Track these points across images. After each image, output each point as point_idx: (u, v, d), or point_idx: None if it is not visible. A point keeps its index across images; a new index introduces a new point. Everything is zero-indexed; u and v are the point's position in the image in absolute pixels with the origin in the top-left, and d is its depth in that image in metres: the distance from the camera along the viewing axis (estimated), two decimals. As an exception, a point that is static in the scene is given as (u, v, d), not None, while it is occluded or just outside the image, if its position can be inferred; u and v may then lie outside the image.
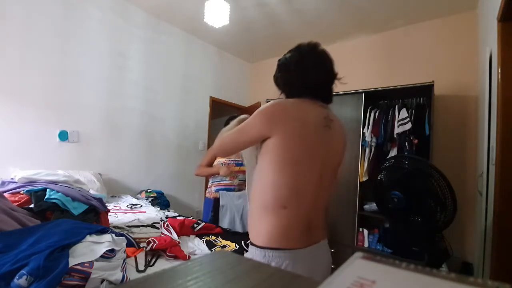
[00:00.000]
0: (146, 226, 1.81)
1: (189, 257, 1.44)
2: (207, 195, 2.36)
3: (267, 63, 4.36)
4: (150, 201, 2.64)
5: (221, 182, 2.30)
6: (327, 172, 0.94)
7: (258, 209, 0.92)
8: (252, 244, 0.92)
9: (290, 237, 0.88)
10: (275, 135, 0.88)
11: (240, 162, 2.34)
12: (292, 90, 0.98)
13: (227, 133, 1.00)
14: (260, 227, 0.90)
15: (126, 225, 1.79)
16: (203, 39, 3.72)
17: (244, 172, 2.30)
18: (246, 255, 0.99)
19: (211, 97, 3.88)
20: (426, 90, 2.53)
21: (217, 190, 2.29)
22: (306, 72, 0.95)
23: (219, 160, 2.31)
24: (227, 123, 2.27)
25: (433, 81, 2.47)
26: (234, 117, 2.25)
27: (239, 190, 2.30)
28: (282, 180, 0.88)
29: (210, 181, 2.37)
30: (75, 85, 2.55)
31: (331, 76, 0.97)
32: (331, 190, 0.99)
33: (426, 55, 2.91)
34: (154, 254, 1.36)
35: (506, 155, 1.47)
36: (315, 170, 0.91)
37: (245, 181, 2.30)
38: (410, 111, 2.64)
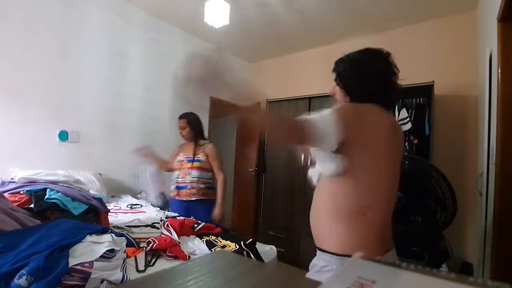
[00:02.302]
0: (146, 226, 1.81)
1: (189, 257, 1.43)
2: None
3: (267, 63, 4.36)
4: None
5: (176, 179, 2.30)
6: (397, 177, 0.96)
7: (331, 214, 0.89)
8: (324, 251, 0.89)
9: (369, 244, 0.86)
10: (357, 139, 0.86)
11: (195, 158, 2.26)
12: (367, 96, 0.95)
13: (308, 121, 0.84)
14: (337, 233, 0.87)
15: (126, 225, 1.79)
16: (203, 39, 3.72)
17: (198, 168, 2.25)
18: (315, 261, 0.93)
19: (211, 97, 3.88)
20: (426, 90, 2.53)
21: (174, 188, 2.28)
22: (387, 82, 1.00)
23: (177, 158, 2.33)
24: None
25: (433, 81, 2.47)
26: (180, 116, 2.35)
27: (192, 188, 2.24)
28: (364, 184, 0.87)
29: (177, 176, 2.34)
30: (75, 85, 2.55)
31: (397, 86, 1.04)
32: (396, 192, 0.99)
33: (426, 55, 2.90)
34: (154, 254, 1.36)
35: (506, 155, 1.47)
36: (391, 175, 0.92)
37: (198, 178, 2.26)
38: (410, 111, 2.64)
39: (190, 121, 2.36)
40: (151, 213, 2.22)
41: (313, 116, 0.84)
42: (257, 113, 0.92)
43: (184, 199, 2.25)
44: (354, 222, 0.86)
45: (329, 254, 0.87)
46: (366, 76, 0.97)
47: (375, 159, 0.87)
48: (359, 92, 0.98)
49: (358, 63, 1.00)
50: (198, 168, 2.25)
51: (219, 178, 2.29)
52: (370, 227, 0.86)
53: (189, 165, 2.25)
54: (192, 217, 2.01)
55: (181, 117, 2.40)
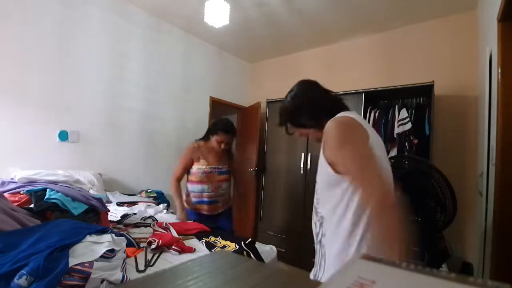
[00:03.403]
0: (146, 226, 1.81)
1: (194, 249, 1.46)
2: (186, 203, 2.12)
3: (267, 63, 4.36)
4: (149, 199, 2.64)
5: (203, 193, 2.06)
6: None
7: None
8: None
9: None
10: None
11: (223, 170, 2.10)
12: (324, 113, 1.00)
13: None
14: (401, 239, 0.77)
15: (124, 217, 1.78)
16: (203, 39, 3.73)
17: (226, 180, 2.12)
18: None
19: (211, 97, 3.88)
20: (426, 90, 2.53)
21: (199, 202, 2.08)
22: (326, 93, 1.08)
23: (199, 167, 2.05)
24: (213, 123, 2.12)
25: (433, 81, 2.47)
26: (230, 131, 2.11)
27: (224, 201, 2.11)
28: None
29: (189, 188, 2.12)
30: (75, 85, 2.55)
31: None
32: None
33: (426, 55, 2.91)
34: (156, 252, 1.37)
35: (506, 155, 1.47)
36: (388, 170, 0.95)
37: (227, 190, 2.12)
38: (410, 111, 2.64)
39: (235, 137, 2.14)
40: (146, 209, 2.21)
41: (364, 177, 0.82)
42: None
43: (214, 213, 2.11)
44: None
45: None
46: (310, 99, 1.05)
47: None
48: (319, 113, 1.03)
49: (294, 97, 1.08)
50: (227, 180, 2.14)
51: (242, 186, 2.33)
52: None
53: (220, 177, 2.08)
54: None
55: (232, 133, 2.07)
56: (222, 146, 2.04)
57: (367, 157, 0.82)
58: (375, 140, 0.89)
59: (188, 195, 2.13)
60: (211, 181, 2.05)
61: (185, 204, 2.11)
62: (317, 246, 0.99)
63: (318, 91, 1.07)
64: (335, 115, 0.96)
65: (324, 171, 0.92)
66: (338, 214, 0.87)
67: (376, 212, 0.78)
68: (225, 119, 2.13)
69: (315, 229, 1.00)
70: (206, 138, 2.13)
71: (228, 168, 2.16)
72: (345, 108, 1.04)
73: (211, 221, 2.06)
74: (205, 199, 2.07)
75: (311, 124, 1.04)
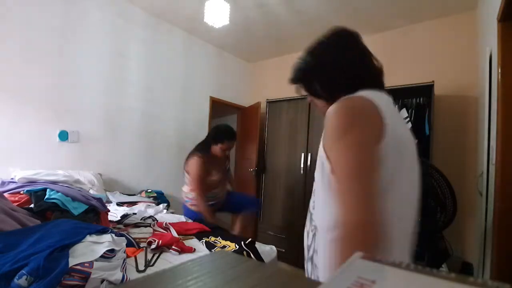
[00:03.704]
0: (146, 226, 1.81)
1: (194, 249, 1.46)
2: (193, 207, 2.22)
3: (267, 63, 4.37)
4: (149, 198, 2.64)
5: (214, 197, 2.24)
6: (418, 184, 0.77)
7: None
8: None
9: None
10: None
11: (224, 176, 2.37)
12: (358, 84, 0.72)
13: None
14: None
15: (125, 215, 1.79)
16: (203, 39, 3.72)
17: (227, 179, 2.38)
18: None
19: (211, 97, 3.88)
20: (426, 90, 2.53)
21: (209, 206, 2.21)
22: (363, 59, 0.76)
23: (212, 179, 2.25)
24: (217, 132, 2.20)
25: (433, 81, 2.47)
26: (233, 137, 2.19)
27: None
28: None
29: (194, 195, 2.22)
30: (75, 85, 2.55)
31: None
32: None
33: (426, 55, 2.91)
34: (156, 252, 1.37)
35: (506, 155, 1.47)
36: (416, 179, 0.74)
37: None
38: (410, 111, 2.64)
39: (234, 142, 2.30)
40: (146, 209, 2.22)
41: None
42: None
43: (219, 206, 2.32)
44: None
45: None
46: (337, 64, 0.75)
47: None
48: (336, 88, 0.74)
49: (319, 56, 0.78)
50: (227, 179, 2.36)
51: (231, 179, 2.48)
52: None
53: (225, 181, 2.29)
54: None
55: (234, 138, 2.22)
56: (227, 152, 2.24)
57: (364, 163, 0.57)
58: (395, 140, 0.61)
59: (195, 199, 2.24)
60: (221, 185, 2.29)
61: (192, 207, 2.24)
62: (307, 265, 0.74)
63: (353, 52, 0.76)
64: (357, 91, 0.69)
65: (321, 167, 0.67)
66: (334, 228, 0.59)
67: (339, 241, 0.54)
68: (225, 126, 2.22)
69: (306, 240, 0.76)
70: (207, 148, 2.21)
71: (229, 171, 2.40)
72: (377, 85, 0.73)
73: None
74: (215, 201, 2.28)
75: (323, 95, 0.77)
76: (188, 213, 2.25)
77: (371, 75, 0.75)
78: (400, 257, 0.62)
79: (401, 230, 0.64)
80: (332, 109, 0.64)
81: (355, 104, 0.64)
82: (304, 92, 0.84)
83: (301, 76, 0.82)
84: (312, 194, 0.76)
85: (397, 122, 0.64)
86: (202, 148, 2.22)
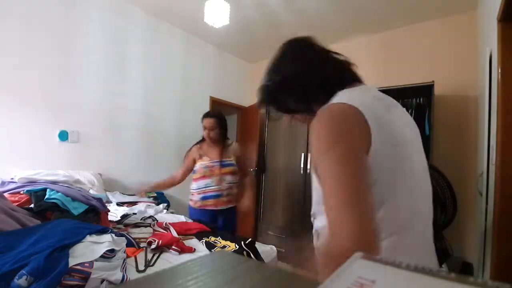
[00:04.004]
0: (146, 226, 1.81)
1: (194, 249, 1.46)
2: (191, 203, 2.15)
3: (267, 63, 4.36)
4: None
5: (207, 188, 2.06)
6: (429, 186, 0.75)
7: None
8: None
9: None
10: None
11: (227, 162, 2.11)
12: (334, 86, 0.69)
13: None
14: None
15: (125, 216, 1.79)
16: (203, 39, 3.72)
17: (231, 173, 2.11)
18: None
19: (211, 97, 3.88)
20: (426, 90, 2.53)
21: (204, 198, 2.08)
22: (324, 64, 0.74)
23: (201, 163, 2.10)
24: (201, 122, 2.17)
25: (433, 81, 2.47)
26: (207, 114, 2.17)
27: (229, 195, 2.09)
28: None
29: (194, 186, 2.14)
30: (75, 85, 2.55)
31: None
32: None
33: (426, 55, 2.91)
34: (156, 252, 1.37)
35: (506, 155, 1.47)
36: (424, 180, 0.74)
37: (233, 183, 2.12)
38: (410, 111, 2.64)
39: (221, 121, 2.14)
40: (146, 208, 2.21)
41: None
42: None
43: (220, 208, 2.09)
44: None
45: None
46: (301, 73, 0.73)
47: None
48: (311, 98, 0.71)
49: (280, 73, 0.77)
50: (231, 173, 2.12)
51: (250, 174, 2.27)
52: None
53: (224, 170, 2.08)
54: (217, 225, 2.06)
55: (209, 116, 2.13)
56: (207, 131, 2.12)
57: (352, 183, 0.51)
58: (385, 141, 0.57)
59: (193, 194, 2.16)
60: (214, 174, 2.08)
61: (190, 203, 2.17)
62: None
63: (312, 57, 0.74)
64: (336, 92, 0.66)
65: (314, 177, 0.64)
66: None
67: (330, 258, 0.49)
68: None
69: (315, 241, 0.73)
70: (202, 137, 2.24)
71: (232, 161, 2.16)
72: (352, 80, 0.71)
73: (216, 217, 2.11)
74: (210, 193, 2.08)
75: (301, 108, 0.74)
76: (192, 214, 2.19)
77: (339, 72, 0.72)
78: (419, 258, 0.61)
79: (418, 228, 0.62)
80: (314, 122, 0.60)
81: (335, 115, 0.59)
82: (278, 113, 0.80)
83: (271, 97, 0.80)
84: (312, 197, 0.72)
85: (385, 116, 0.60)
86: (200, 140, 2.28)
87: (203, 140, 2.22)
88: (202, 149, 2.18)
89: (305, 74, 0.72)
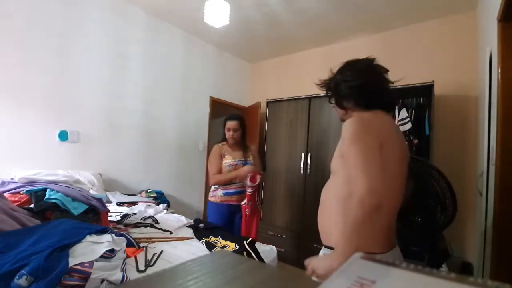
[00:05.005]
0: (146, 226, 1.81)
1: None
2: (212, 198, 2.25)
3: (267, 63, 4.36)
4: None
5: (232, 185, 2.21)
6: (403, 176, 0.98)
7: (340, 213, 0.92)
8: (331, 247, 0.91)
9: (375, 240, 0.90)
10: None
11: (248, 162, 2.28)
12: (371, 101, 1.00)
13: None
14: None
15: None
16: (203, 39, 3.72)
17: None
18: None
19: (211, 97, 3.88)
20: (426, 90, 2.53)
21: (226, 194, 2.21)
22: (386, 88, 1.04)
23: (226, 161, 2.24)
24: (223, 124, 2.30)
25: (433, 81, 2.47)
26: (231, 117, 2.26)
27: (246, 192, 2.20)
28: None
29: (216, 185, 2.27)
30: (75, 85, 2.55)
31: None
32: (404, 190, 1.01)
33: (426, 55, 2.90)
34: (156, 252, 1.37)
35: (506, 155, 1.47)
36: (398, 175, 0.94)
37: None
38: (410, 111, 2.64)
39: (243, 123, 2.31)
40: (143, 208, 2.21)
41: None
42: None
43: (239, 203, 2.23)
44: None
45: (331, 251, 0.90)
46: (359, 90, 1.01)
47: (382, 160, 0.89)
48: (358, 105, 1.02)
49: (344, 74, 1.05)
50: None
51: (263, 175, 2.35)
52: (377, 225, 0.88)
53: (250, 170, 2.21)
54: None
55: (233, 118, 2.29)
56: (232, 133, 2.25)
57: (370, 156, 0.85)
58: (391, 145, 0.92)
59: (216, 190, 2.25)
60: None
61: (211, 199, 2.26)
62: None
63: (383, 82, 1.04)
64: (370, 109, 0.98)
65: (340, 158, 0.96)
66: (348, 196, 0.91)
67: (352, 205, 0.82)
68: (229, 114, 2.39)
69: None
70: (223, 138, 2.35)
71: (251, 161, 2.32)
72: (385, 107, 1.03)
73: (235, 211, 2.24)
74: (234, 190, 2.22)
75: (350, 107, 1.04)
76: (210, 214, 2.26)
77: (384, 99, 1.02)
78: (386, 225, 0.93)
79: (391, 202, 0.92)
80: (351, 120, 0.93)
81: (364, 118, 0.94)
82: (332, 101, 1.10)
83: (338, 92, 1.06)
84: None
85: (392, 137, 0.95)
86: (221, 140, 2.38)
87: (223, 140, 2.35)
88: (225, 148, 2.31)
89: (368, 89, 1.01)
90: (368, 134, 0.89)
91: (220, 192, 2.22)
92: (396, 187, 0.93)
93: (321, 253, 0.98)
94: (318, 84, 1.13)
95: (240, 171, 2.18)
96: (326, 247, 0.96)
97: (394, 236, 0.99)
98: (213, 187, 2.28)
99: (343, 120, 1.08)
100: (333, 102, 1.09)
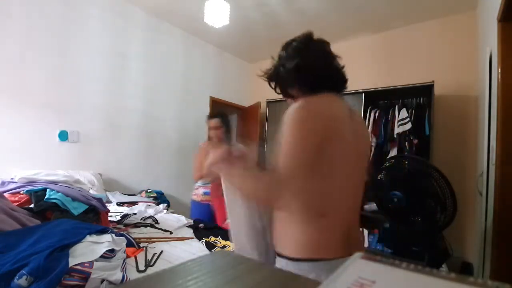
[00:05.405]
0: (146, 226, 1.81)
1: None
2: (194, 197, 2.23)
3: (267, 63, 4.31)
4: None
5: (209, 184, 2.18)
6: (361, 170, 0.86)
7: (288, 218, 0.82)
8: (282, 256, 0.81)
9: (329, 246, 0.79)
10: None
11: None
12: (315, 83, 0.85)
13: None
14: (292, 236, 0.80)
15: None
16: (203, 39, 3.72)
17: None
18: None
19: (211, 97, 3.88)
20: (426, 90, 2.53)
21: (206, 193, 2.17)
22: (332, 65, 0.88)
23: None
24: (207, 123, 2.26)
25: (433, 81, 2.47)
26: (212, 116, 2.25)
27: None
28: (318, 184, 0.78)
29: (199, 183, 2.23)
30: (75, 85, 2.55)
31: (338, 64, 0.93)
32: (363, 190, 0.89)
33: (426, 55, 2.90)
34: (156, 252, 1.37)
35: (506, 155, 1.47)
36: (352, 169, 0.82)
37: None
38: (410, 111, 2.64)
39: (225, 121, 2.22)
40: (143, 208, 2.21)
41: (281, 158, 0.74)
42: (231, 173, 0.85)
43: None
44: (313, 223, 0.79)
45: (285, 259, 0.80)
46: (297, 71, 0.86)
47: (330, 162, 0.78)
48: (301, 90, 0.87)
49: (280, 57, 0.92)
50: None
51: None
52: (328, 231, 0.79)
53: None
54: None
55: (213, 116, 2.24)
56: (214, 131, 2.21)
57: (300, 146, 0.74)
58: (341, 138, 0.78)
59: (198, 188, 2.23)
60: None
61: (194, 197, 2.24)
62: None
63: (325, 57, 0.89)
64: (315, 93, 0.83)
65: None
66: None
67: (271, 178, 0.74)
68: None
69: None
70: (208, 137, 2.34)
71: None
72: (336, 89, 0.89)
73: (211, 211, 2.17)
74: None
75: (296, 94, 0.89)
76: (193, 213, 2.23)
77: (334, 80, 0.89)
78: (334, 224, 0.80)
79: (341, 205, 0.81)
80: (296, 105, 0.78)
81: (312, 106, 0.78)
82: (277, 91, 0.96)
83: (276, 77, 0.94)
84: None
85: (343, 128, 0.80)
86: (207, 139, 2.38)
87: (208, 140, 2.34)
88: (209, 147, 2.26)
89: (314, 69, 0.86)
90: (310, 123, 0.75)
91: (201, 190, 2.19)
92: (349, 186, 0.81)
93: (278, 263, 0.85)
94: (261, 76, 0.99)
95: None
96: (280, 255, 0.83)
97: (356, 243, 0.87)
98: (196, 185, 2.25)
99: None
100: (279, 92, 0.94)
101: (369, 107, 2.83)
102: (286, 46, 0.93)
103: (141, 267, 1.21)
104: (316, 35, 0.91)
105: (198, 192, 2.21)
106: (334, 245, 0.79)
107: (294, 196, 0.78)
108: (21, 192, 1.60)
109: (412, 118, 2.58)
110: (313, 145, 0.74)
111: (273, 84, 0.96)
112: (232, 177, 0.86)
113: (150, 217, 1.96)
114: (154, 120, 3.22)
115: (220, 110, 2.38)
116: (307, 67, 0.85)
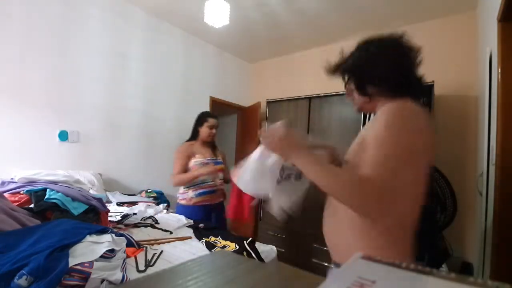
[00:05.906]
0: (146, 226, 1.81)
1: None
2: (182, 201, 2.14)
3: (267, 63, 4.36)
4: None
5: (204, 184, 2.12)
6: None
7: (360, 229, 0.74)
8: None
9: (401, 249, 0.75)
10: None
11: (218, 161, 2.23)
12: (403, 89, 0.80)
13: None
14: (363, 249, 0.71)
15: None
16: (203, 39, 3.72)
17: (222, 170, 2.19)
18: None
19: (211, 97, 3.88)
20: (426, 90, 2.53)
21: (200, 194, 2.11)
22: (417, 71, 0.85)
23: (196, 160, 2.13)
24: (200, 116, 2.28)
25: (433, 81, 2.47)
26: (213, 114, 2.26)
27: (220, 190, 2.21)
28: (409, 203, 0.75)
29: (187, 185, 2.14)
30: (75, 85, 2.55)
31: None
32: None
33: (426, 55, 2.89)
34: (156, 252, 1.37)
35: (506, 155, 1.47)
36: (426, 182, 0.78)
37: (222, 180, 2.25)
38: (410, 111, 2.64)
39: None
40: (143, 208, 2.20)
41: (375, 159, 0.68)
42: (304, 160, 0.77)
43: (214, 202, 2.19)
44: (388, 239, 0.72)
45: None
46: (388, 64, 0.81)
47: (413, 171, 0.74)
48: (386, 92, 0.80)
49: (371, 51, 0.83)
50: (222, 170, 2.20)
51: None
52: (407, 245, 0.75)
53: (218, 167, 2.15)
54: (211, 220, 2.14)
55: (214, 116, 2.28)
56: (214, 130, 2.23)
57: (403, 156, 0.68)
58: (430, 149, 0.74)
59: (186, 192, 2.15)
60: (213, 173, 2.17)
61: (182, 202, 2.17)
62: None
63: (411, 59, 0.86)
64: (398, 97, 0.78)
65: (362, 138, 0.78)
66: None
67: (354, 182, 0.68)
68: (204, 111, 2.40)
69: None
70: (194, 136, 2.30)
71: (221, 160, 2.29)
72: (417, 96, 0.84)
73: (210, 212, 2.17)
74: (206, 189, 2.14)
75: (372, 92, 0.82)
76: (184, 212, 2.16)
77: (418, 88, 0.85)
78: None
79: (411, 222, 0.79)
80: (394, 106, 0.74)
81: (419, 111, 0.73)
82: (348, 85, 0.88)
83: (354, 69, 0.86)
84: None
85: (433, 139, 0.76)
86: (190, 138, 2.31)
87: (193, 138, 2.28)
88: (194, 147, 2.23)
89: (401, 69, 0.82)
90: (416, 133, 0.70)
91: (191, 193, 2.12)
92: (419, 194, 0.79)
93: (331, 271, 0.81)
94: (329, 69, 0.92)
95: (210, 167, 2.08)
96: (336, 264, 0.78)
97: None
98: (181, 189, 2.17)
99: (362, 110, 0.90)
100: (353, 87, 0.87)
101: (369, 107, 2.83)
102: (378, 42, 0.85)
103: (141, 267, 1.21)
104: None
105: (187, 195, 2.13)
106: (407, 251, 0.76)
107: (388, 210, 0.69)
108: (21, 192, 1.59)
109: (412, 118, 2.57)
110: (414, 165, 0.69)
111: (346, 77, 0.88)
112: (307, 165, 0.77)
113: (150, 217, 1.96)
114: (154, 120, 3.22)
115: (207, 111, 2.47)
116: (402, 69, 0.82)
